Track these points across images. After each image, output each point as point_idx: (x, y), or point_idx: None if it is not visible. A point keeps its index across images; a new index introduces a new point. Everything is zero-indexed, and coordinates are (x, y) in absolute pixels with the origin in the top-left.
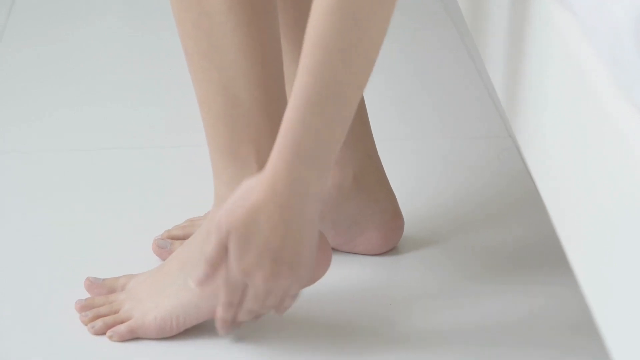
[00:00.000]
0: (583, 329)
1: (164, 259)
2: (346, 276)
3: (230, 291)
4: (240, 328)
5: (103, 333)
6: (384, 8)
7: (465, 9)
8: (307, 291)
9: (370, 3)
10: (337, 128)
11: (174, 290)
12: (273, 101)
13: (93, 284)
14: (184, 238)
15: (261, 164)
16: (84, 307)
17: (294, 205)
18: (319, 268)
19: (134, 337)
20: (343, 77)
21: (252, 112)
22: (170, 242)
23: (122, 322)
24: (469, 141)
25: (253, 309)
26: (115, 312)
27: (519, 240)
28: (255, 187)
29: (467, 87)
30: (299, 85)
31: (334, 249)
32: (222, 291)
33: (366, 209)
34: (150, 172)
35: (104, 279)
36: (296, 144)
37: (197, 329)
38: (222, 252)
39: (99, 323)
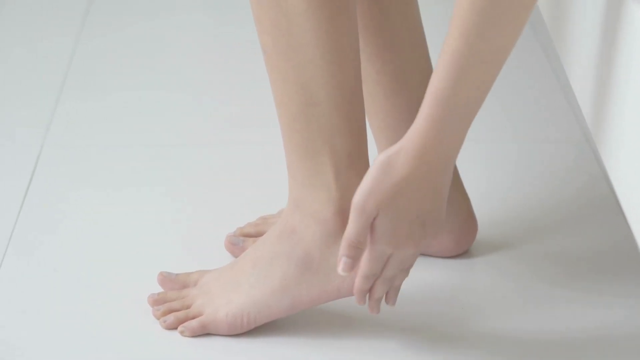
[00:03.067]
0: None
1: (236, 256)
2: (418, 278)
3: (374, 264)
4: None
5: (175, 328)
6: None
7: (543, 6)
8: None
9: None
10: (485, 90)
11: (246, 288)
12: (349, 102)
13: (166, 279)
14: (256, 236)
15: (336, 165)
16: (156, 301)
17: (442, 171)
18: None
19: (205, 332)
20: (494, 41)
21: (328, 113)
22: (243, 239)
23: (193, 317)
24: (544, 145)
25: (392, 275)
26: (187, 307)
27: (593, 246)
28: (398, 160)
29: (543, 88)
30: (449, 52)
31: None
32: (364, 265)
33: None
34: (225, 168)
35: (177, 274)
36: (446, 109)
37: (268, 327)
38: (366, 234)
39: (170, 318)
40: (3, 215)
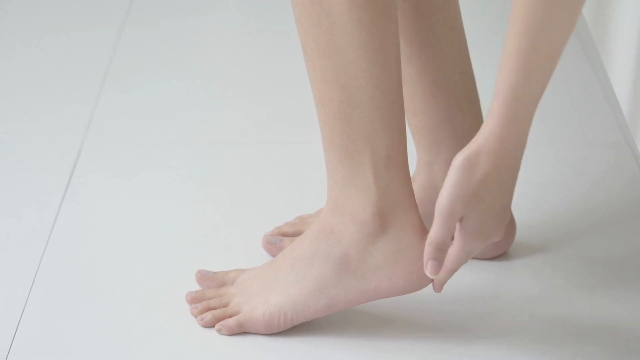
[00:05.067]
0: None
1: (273, 255)
2: (456, 279)
3: (463, 260)
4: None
5: (212, 326)
6: None
7: (586, 7)
8: (417, 293)
9: None
10: (546, 82)
11: (284, 287)
12: (390, 102)
13: (204, 277)
14: (294, 235)
15: (375, 166)
16: (194, 299)
17: (515, 159)
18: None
19: (242, 331)
20: (553, 35)
21: (369, 113)
22: (280, 238)
23: (231, 315)
24: (583, 147)
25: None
26: (225, 305)
27: (632, 249)
28: (478, 161)
29: (583, 90)
30: (514, 51)
31: None
32: (453, 262)
33: None
34: (263, 167)
35: (214, 272)
36: (518, 104)
37: (304, 327)
38: (451, 235)
39: (208, 315)
40: (44, 211)
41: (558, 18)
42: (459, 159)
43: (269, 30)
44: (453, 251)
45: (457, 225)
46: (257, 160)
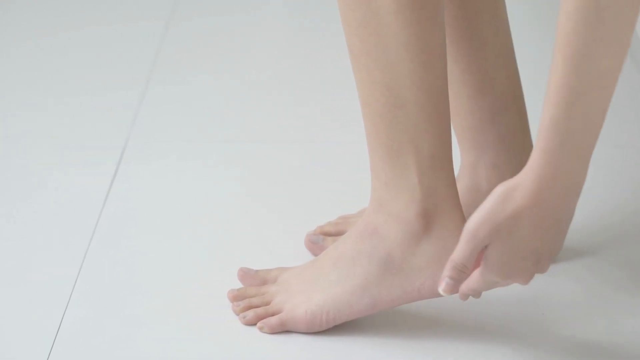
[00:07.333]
0: None
1: (315, 254)
2: None
3: (482, 287)
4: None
5: (254, 324)
6: None
7: None
8: (457, 295)
9: None
10: (599, 116)
11: (326, 286)
12: (435, 103)
13: (246, 275)
14: (336, 235)
15: (420, 166)
16: (236, 296)
17: (560, 202)
18: None
19: (284, 329)
20: (601, 62)
21: (414, 114)
22: (323, 238)
23: (273, 314)
24: (625, 150)
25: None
26: (267, 303)
27: None
28: (515, 191)
29: (626, 92)
30: (558, 78)
31: None
32: (473, 284)
33: None
34: (307, 167)
35: (257, 270)
36: (561, 138)
37: (346, 326)
38: (473, 259)
39: (250, 314)
40: (87, 210)
41: (605, 43)
42: (499, 188)
43: (315, 29)
44: (474, 275)
45: (483, 253)
46: (300, 159)
